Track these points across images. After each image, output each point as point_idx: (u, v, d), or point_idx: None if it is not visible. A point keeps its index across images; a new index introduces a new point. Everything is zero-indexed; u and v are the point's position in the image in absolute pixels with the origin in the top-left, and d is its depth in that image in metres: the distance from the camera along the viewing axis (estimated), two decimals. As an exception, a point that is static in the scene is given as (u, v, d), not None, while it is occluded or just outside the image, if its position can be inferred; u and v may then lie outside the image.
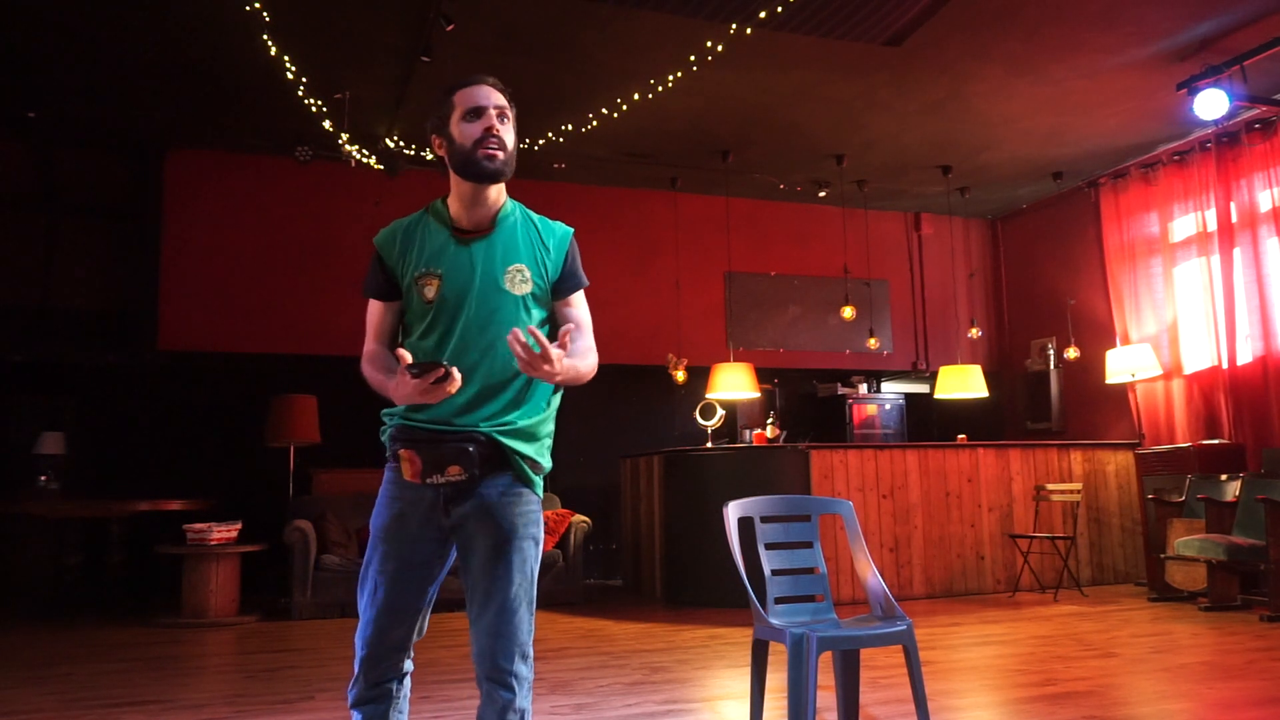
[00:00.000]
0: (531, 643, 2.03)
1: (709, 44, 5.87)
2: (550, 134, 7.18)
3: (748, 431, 8.04)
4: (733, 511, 3.11)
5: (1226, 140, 7.36)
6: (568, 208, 8.71)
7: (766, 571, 3.07)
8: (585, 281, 2.16)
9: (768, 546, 3.10)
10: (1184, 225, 7.87)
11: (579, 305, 2.14)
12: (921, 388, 9.76)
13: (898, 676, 4.08)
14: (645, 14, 5.61)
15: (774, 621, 2.97)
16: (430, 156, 1.94)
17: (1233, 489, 6.33)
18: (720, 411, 8.00)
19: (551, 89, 6.63)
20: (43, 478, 6.90)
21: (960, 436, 7.83)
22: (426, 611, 2.09)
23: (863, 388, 9.30)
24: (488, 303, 2.03)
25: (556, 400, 2.15)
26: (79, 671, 4.64)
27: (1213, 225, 7.45)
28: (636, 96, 6.60)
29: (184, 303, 7.59)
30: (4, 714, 3.77)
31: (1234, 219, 7.32)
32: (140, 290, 7.60)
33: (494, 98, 2.04)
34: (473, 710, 3.70)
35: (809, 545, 3.19)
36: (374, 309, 2.12)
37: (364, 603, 2.06)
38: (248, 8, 5.33)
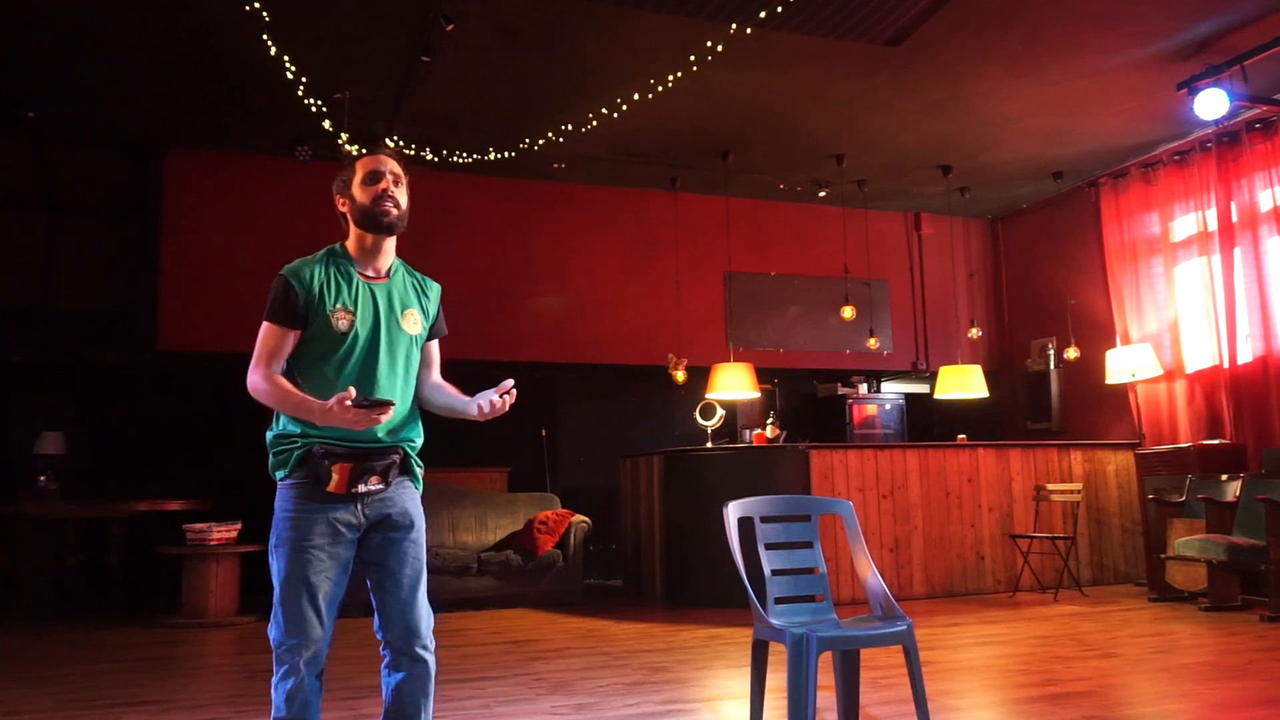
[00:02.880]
0: None
1: (709, 44, 5.87)
2: (550, 134, 7.18)
3: (748, 431, 8.04)
4: (733, 511, 3.11)
5: (1227, 140, 7.36)
6: (568, 208, 8.71)
7: (766, 571, 3.07)
8: (445, 329, 2.60)
9: (768, 546, 3.10)
10: (1184, 225, 7.86)
11: (438, 347, 2.58)
12: (921, 388, 9.76)
13: (898, 676, 4.08)
14: (645, 14, 5.61)
15: (774, 621, 2.97)
16: (341, 210, 2.30)
17: (1233, 489, 6.33)
18: (720, 411, 7.99)
19: (552, 89, 6.62)
20: (43, 478, 6.90)
21: (960, 436, 7.82)
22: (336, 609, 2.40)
23: (863, 388, 9.30)
24: (393, 339, 2.40)
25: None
26: (78, 672, 4.64)
27: (1213, 225, 7.45)
28: (636, 96, 6.60)
29: (184, 303, 7.59)
30: (4, 714, 3.77)
31: (1234, 219, 7.31)
32: (140, 290, 7.60)
33: (390, 165, 2.42)
34: (475, 710, 3.70)
35: (809, 545, 3.19)
36: (275, 334, 2.34)
37: (301, 605, 2.27)
38: (248, 8, 5.33)
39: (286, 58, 5.94)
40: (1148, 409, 8.05)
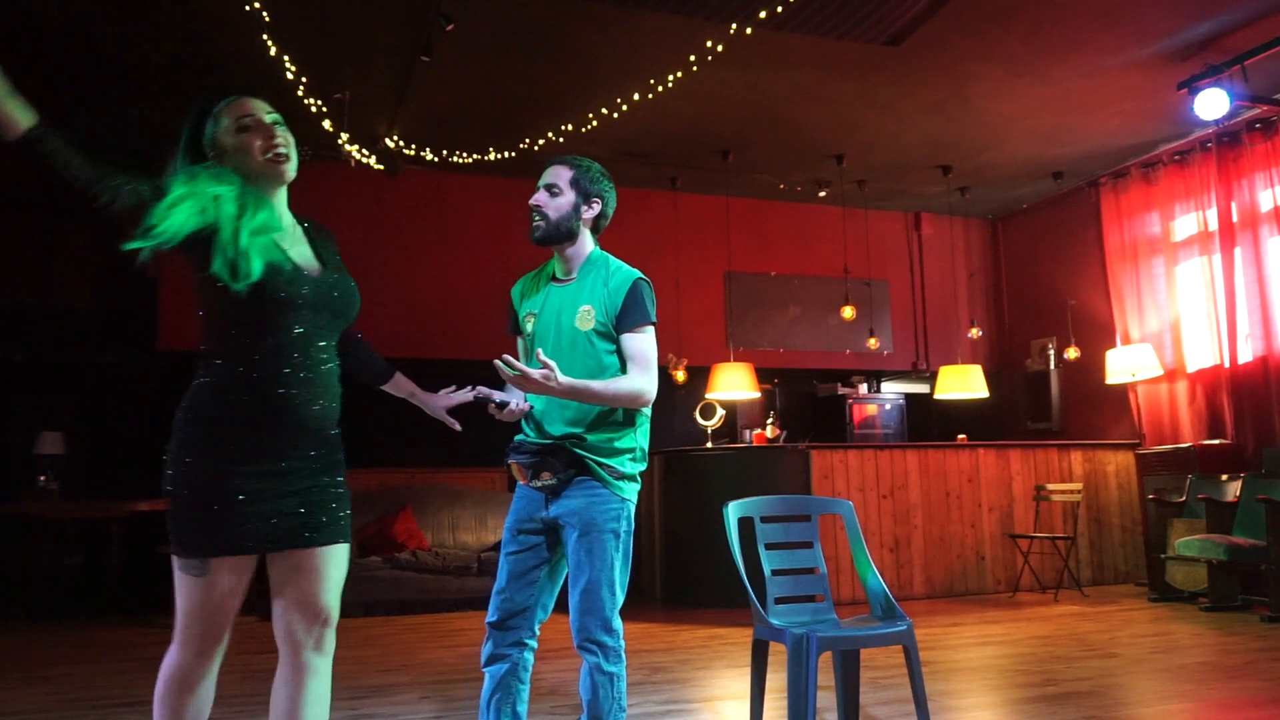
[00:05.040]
0: (616, 618, 2.48)
1: (709, 44, 5.86)
2: (550, 134, 7.18)
3: (748, 431, 8.04)
4: (733, 512, 3.11)
5: (1227, 140, 7.36)
6: (568, 208, 8.70)
7: (766, 572, 3.07)
8: (642, 319, 2.52)
9: (768, 547, 3.10)
10: (1185, 225, 7.86)
11: (632, 339, 2.51)
12: (921, 388, 9.76)
13: (898, 676, 4.08)
14: (645, 14, 5.60)
15: (774, 621, 2.96)
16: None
17: (1233, 489, 6.33)
18: (720, 411, 7.99)
19: (551, 89, 6.62)
20: (43, 478, 6.89)
21: (960, 436, 7.82)
22: (543, 591, 2.58)
23: (863, 388, 9.29)
24: (564, 336, 2.53)
25: (637, 421, 2.57)
26: (79, 671, 4.64)
27: (1214, 225, 7.45)
28: (636, 96, 6.60)
29: (184, 303, 7.54)
30: (4, 714, 3.76)
31: (1235, 219, 7.31)
32: (140, 290, 7.60)
33: (546, 178, 2.68)
34: (475, 710, 3.70)
35: (809, 545, 3.19)
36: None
37: (498, 578, 2.59)
38: (247, 8, 5.33)
39: (286, 58, 5.94)
40: (1148, 409, 8.05)
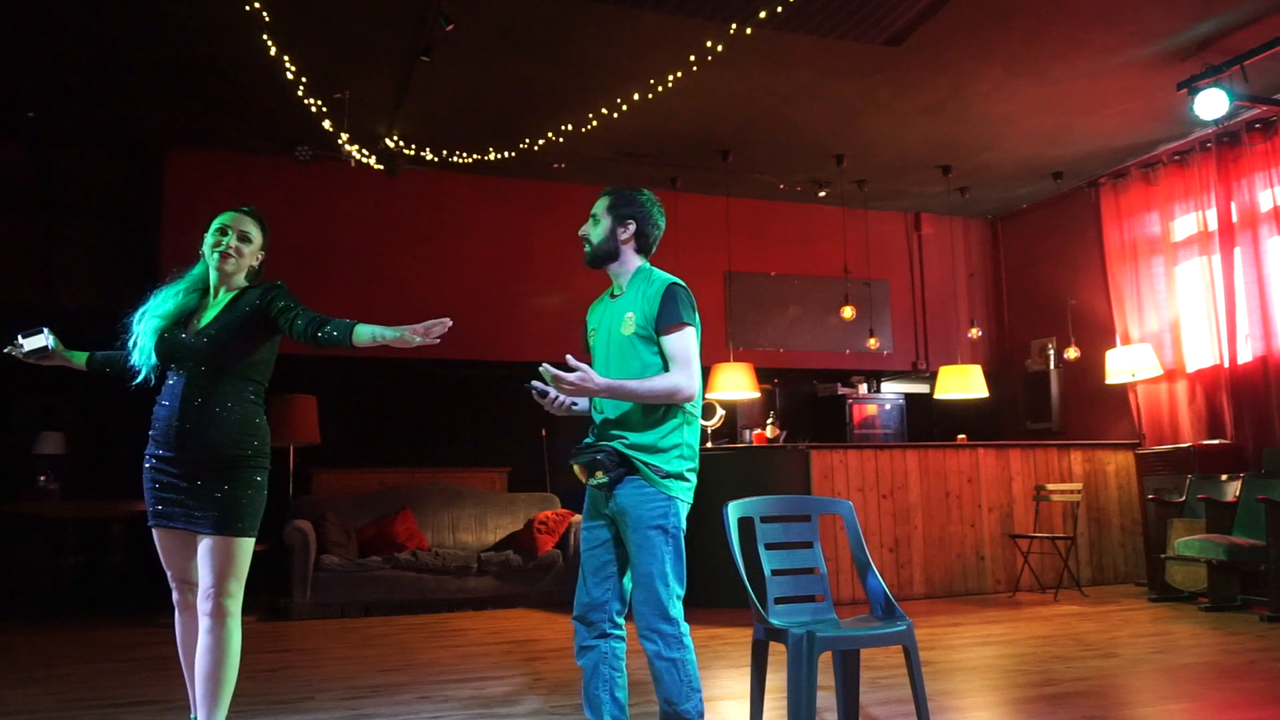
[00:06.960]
0: (674, 606, 2.61)
1: (709, 44, 5.87)
2: (550, 134, 7.18)
3: (748, 431, 8.04)
4: (733, 511, 3.11)
5: (1227, 140, 7.36)
6: (568, 208, 8.70)
7: (766, 571, 3.07)
8: (676, 319, 2.70)
9: (768, 546, 3.11)
10: (1184, 225, 7.86)
11: (668, 340, 2.71)
12: (921, 388, 9.76)
13: (898, 676, 4.08)
14: (645, 14, 5.60)
15: (774, 621, 2.97)
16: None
17: (1233, 489, 6.33)
18: (720, 411, 7.99)
19: (551, 89, 6.62)
20: (43, 478, 6.89)
21: (960, 436, 7.82)
22: (617, 583, 2.74)
23: (863, 388, 9.30)
24: (612, 344, 2.80)
25: (679, 419, 2.74)
26: (79, 671, 4.64)
27: (1213, 225, 7.45)
28: (636, 96, 6.60)
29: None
30: (4, 714, 3.77)
31: (1234, 219, 7.31)
32: (140, 290, 7.58)
33: (593, 208, 2.90)
34: (475, 710, 3.71)
35: (809, 545, 3.19)
36: None
37: (579, 575, 2.81)
38: (248, 8, 5.33)
39: (286, 58, 5.94)
40: (1148, 409, 8.05)
